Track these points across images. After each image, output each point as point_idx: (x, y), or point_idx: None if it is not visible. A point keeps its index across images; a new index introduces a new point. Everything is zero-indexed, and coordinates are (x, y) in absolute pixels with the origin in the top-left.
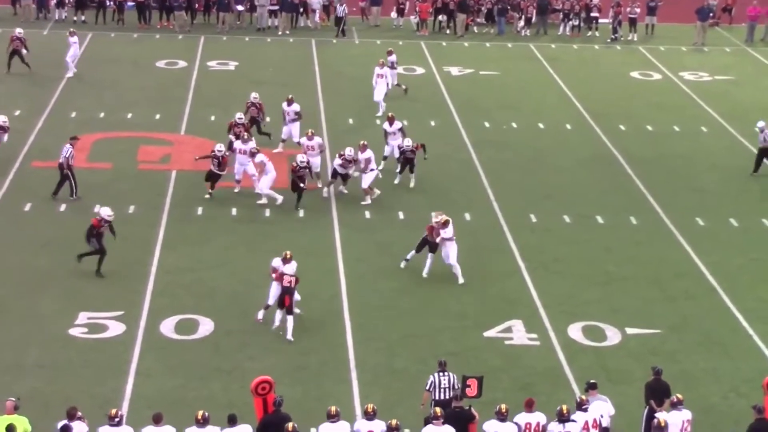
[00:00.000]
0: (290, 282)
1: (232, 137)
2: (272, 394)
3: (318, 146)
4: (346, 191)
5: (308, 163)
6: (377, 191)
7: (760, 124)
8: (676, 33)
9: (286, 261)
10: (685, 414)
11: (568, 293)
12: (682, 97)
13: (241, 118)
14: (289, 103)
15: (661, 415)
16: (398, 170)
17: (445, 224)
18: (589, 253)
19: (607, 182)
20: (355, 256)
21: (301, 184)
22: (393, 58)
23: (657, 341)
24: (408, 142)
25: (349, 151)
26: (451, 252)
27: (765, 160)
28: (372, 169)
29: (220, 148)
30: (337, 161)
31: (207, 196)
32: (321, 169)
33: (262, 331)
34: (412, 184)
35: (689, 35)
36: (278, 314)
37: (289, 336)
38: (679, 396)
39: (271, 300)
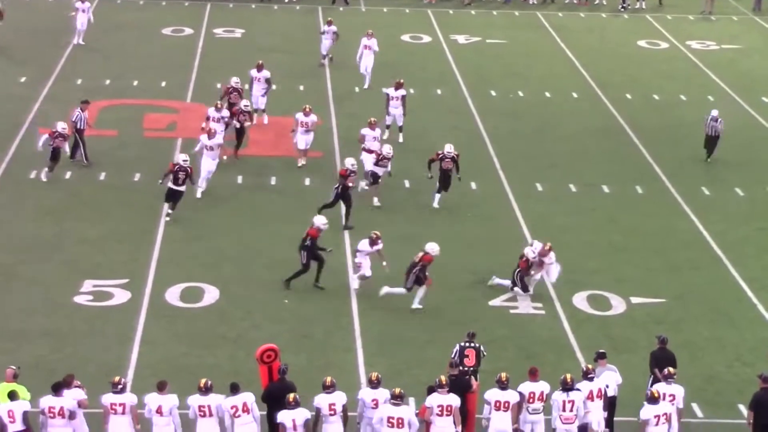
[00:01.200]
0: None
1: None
2: (277, 362)
3: (312, 123)
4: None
5: (355, 167)
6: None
7: (714, 113)
8: (684, 2)
9: (374, 243)
10: (674, 389)
11: (574, 262)
12: (689, 66)
13: (247, 105)
14: (259, 69)
15: (656, 387)
16: (437, 189)
17: (550, 250)
18: (595, 223)
19: (613, 151)
20: (358, 225)
21: (349, 190)
22: (333, 28)
23: (662, 310)
24: (450, 148)
25: (386, 150)
26: (553, 271)
27: (707, 149)
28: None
29: (186, 158)
30: (371, 162)
31: (167, 218)
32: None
33: (268, 300)
34: (436, 204)
35: (697, 4)
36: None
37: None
38: (671, 370)
39: (368, 272)
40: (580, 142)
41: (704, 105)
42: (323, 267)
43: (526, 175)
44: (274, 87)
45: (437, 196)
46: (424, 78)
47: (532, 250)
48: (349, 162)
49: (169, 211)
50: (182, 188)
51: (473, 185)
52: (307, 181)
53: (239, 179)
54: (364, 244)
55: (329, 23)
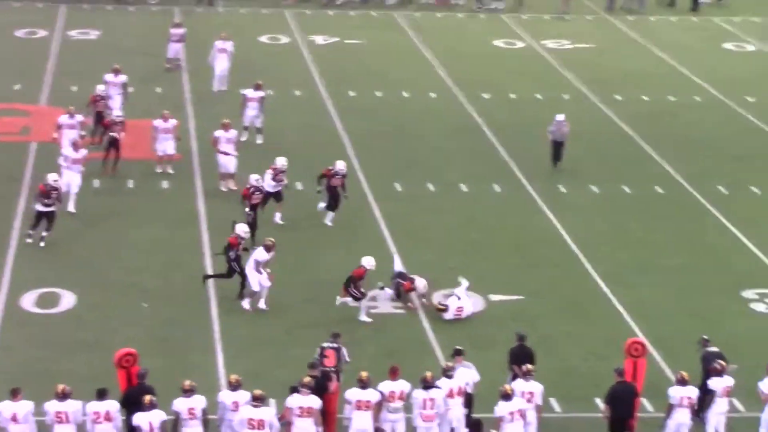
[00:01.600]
0: None
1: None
2: (136, 366)
3: (173, 128)
4: (282, 222)
5: (262, 187)
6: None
7: (560, 117)
8: (540, 2)
9: (270, 249)
10: (532, 386)
11: (433, 261)
12: (544, 65)
13: (119, 116)
14: (116, 73)
15: (513, 384)
16: (324, 204)
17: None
18: (453, 222)
19: (470, 150)
20: (219, 226)
21: (250, 211)
22: (181, 30)
23: (520, 307)
24: (341, 166)
25: (281, 162)
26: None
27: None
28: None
29: (56, 178)
30: (269, 177)
31: (28, 239)
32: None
33: (125, 304)
34: (329, 221)
35: (553, 4)
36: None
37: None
38: (529, 367)
39: (257, 287)
40: (438, 141)
41: (559, 103)
42: (226, 277)
43: (385, 174)
44: (131, 90)
45: (330, 214)
46: (283, 79)
47: (423, 285)
48: (253, 178)
49: (30, 231)
50: (53, 208)
51: None
52: (165, 184)
53: (96, 183)
54: (261, 253)
55: (177, 26)
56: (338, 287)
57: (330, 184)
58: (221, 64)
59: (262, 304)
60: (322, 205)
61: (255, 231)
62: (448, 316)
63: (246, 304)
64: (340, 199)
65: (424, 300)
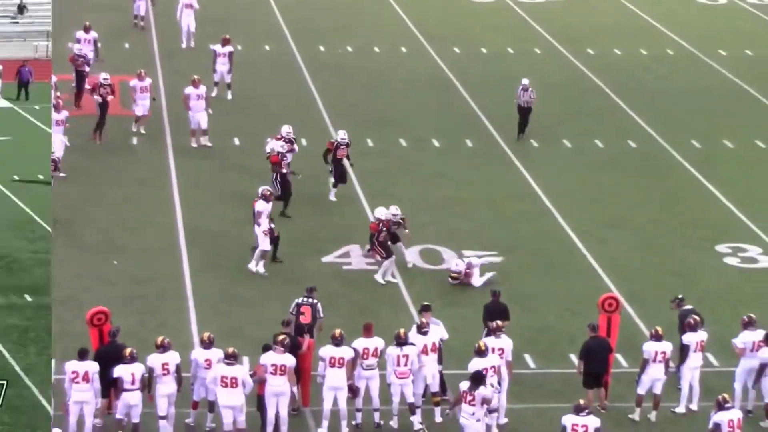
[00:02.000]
0: None
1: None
2: (108, 324)
3: (150, 87)
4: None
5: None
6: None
7: (525, 81)
8: None
9: (269, 199)
10: (502, 342)
11: (405, 217)
12: (515, 18)
13: (107, 78)
14: (87, 30)
15: (484, 340)
16: (332, 180)
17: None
18: (425, 176)
19: (442, 105)
20: (190, 184)
21: (287, 176)
22: None
23: (494, 263)
24: (343, 135)
25: (287, 130)
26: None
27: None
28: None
29: (53, 150)
30: (275, 144)
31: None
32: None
33: (97, 262)
34: (332, 197)
35: None
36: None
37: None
38: (499, 323)
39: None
40: (409, 96)
41: (531, 57)
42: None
43: (356, 130)
44: (99, 45)
45: (333, 190)
46: (251, 34)
47: (395, 208)
48: (278, 145)
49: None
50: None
51: (304, 141)
52: (135, 141)
53: (65, 140)
54: (262, 204)
55: None
56: (309, 244)
57: (336, 156)
58: (188, 20)
59: (260, 268)
60: (332, 182)
61: (289, 197)
62: (478, 282)
63: (253, 265)
64: (346, 173)
65: (407, 231)
